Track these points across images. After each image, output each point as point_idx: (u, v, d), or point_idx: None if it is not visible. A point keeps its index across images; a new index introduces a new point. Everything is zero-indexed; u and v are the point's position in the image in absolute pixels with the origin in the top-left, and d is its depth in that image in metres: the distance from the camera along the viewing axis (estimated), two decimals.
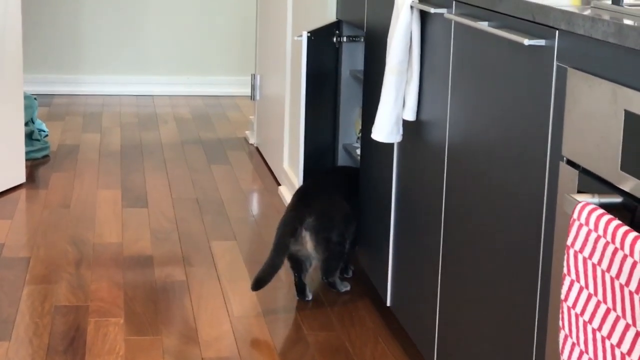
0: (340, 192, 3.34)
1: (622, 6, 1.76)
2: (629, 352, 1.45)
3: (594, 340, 1.54)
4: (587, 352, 1.56)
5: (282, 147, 4.58)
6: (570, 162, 1.79)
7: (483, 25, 2.14)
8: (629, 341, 1.45)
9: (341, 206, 3.31)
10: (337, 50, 3.68)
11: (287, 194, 4.39)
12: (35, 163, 4.92)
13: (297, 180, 4.15)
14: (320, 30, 3.50)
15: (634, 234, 1.45)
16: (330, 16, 3.73)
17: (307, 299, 3.29)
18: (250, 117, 5.69)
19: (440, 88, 2.52)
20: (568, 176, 1.78)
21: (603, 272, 1.52)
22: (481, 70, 2.23)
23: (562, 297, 1.63)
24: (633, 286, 1.43)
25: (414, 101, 2.72)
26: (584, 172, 1.73)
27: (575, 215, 1.60)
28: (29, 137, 4.91)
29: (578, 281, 1.59)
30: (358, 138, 3.67)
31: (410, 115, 2.73)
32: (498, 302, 2.14)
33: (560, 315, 1.65)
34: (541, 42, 1.89)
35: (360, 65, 3.67)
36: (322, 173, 3.55)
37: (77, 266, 3.56)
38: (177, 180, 4.69)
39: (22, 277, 3.44)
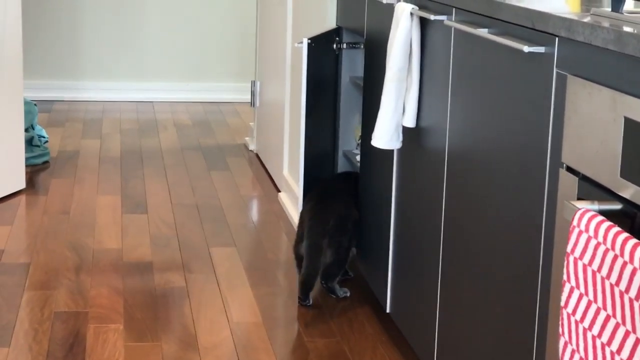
0: (352, 197, 3.38)
1: (622, 13, 1.76)
2: (629, 358, 1.45)
3: (594, 347, 1.54)
4: (586, 358, 1.56)
5: (281, 154, 4.58)
6: (570, 169, 1.79)
7: (483, 32, 2.15)
8: (628, 348, 1.45)
9: (354, 212, 3.35)
10: (337, 57, 3.69)
11: (287, 201, 4.39)
12: (35, 169, 4.92)
13: (297, 187, 4.15)
14: (320, 37, 3.51)
15: (633, 240, 1.45)
16: (330, 23, 3.73)
17: (308, 303, 3.29)
18: (250, 123, 5.69)
19: (440, 95, 2.52)
20: (568, 183, 1.78)
21: (603, 279, 1.52)
22: (481, 77, 2.23)
23: (562, 303, 1.63)
24: (633, 293, 1.43)
25: (414, 108, 2.72)
26: (584, 178, 1.74)
27: (575, 222, 1.60)
28: (29, 143, 4.91)
29: (578, 288, 1.59)
30: (358, 144, 3.68)
31: (410, 122, 2.73)
32: (498, 309, 2.14)
33: (560, 322, 1.65)
34: (541, 49, 1.89)
35: (360, 71, 3.67)
36: (333, 177, 3.57)
37: (76, 272, 3.56)
38: (176, 187, 4.69)
39: (22, 283, 3.44)
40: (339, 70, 3.71)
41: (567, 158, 1.79)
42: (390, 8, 2.93)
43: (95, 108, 6.51)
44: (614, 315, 1.49)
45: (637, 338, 1.43)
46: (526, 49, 1.90)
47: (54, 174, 4.86)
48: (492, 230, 2.16)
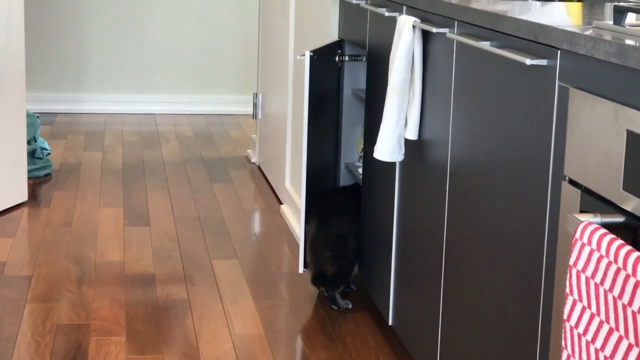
0: (355, 210, 3.39)
1: (624, 26, 1.76)
2: None
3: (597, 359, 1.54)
4: None
5: (284, 166, 4.59)
6: (572, 182, 1.79)
7: (485, 45, 2.15)
8: None
9: (356, 226, 3.40)
10: (339, 70, 3.69)
11: (289, 213, 4.39)
12: (38, 181, 4.92)
13: (299, 199, 4.15)
14: (322, 50, 3.51)
15: (636, 253, 1.45)
16: (333, 35, 3.74)
17: (347, 305, 3.39)
18: (252, 135, 5.70)
19: (443, 107, 2.52)
20: (570, 196, 1.78)
21: (606, 292, 1.51)
22: (483, 90, 2.23)
23: (565, 316, 1.63)
24: (636, 306, 1.43)
25: (416, 120, 2.72)
26: (586, 191, 1.74)
27: (577, 235, 1.60)
28: (32, 155, 4.92)
29: (581, 301, 1.59)
30: (360, 157, 3.68)
31: (412, 134, 2.74)
32: (500, 322, 2.14)
33: (563, 335, 1.64)
34: (543, 61, 1.90)
35: (362, 84, 3.68)
36: (336, 190, 3.60)
37: (78, 284, 3.56)
38: (179, 199, 4.69)
39: (24, 296, 3.44)
40: (341, 82, 3.71)
41: (569, 171, 1.79)
42: (392, 21, 2.94)
43: (97, 120, 6.51)
44: (617, 329, 1.49)
45: None
46: (528, 61, 1.91)
47: (56, 186, 4.86)
48: (495, 242, 2.16)
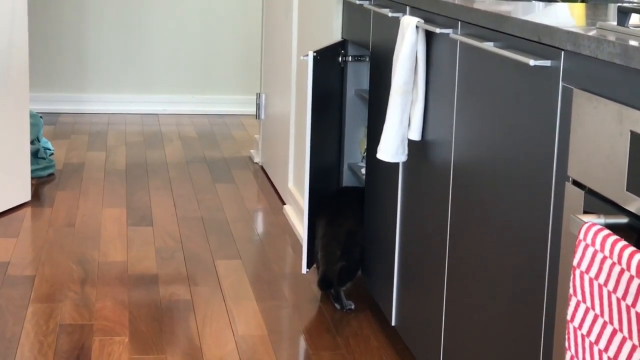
0: (360, 211, 3.42)
1: (628, 27, 1.76)
2: None
3: None
4: None
5: (287, 166, 4.59)
6: (576, 183, 1.79)
7: (489, 45, 2.15)
8: None
9: (361, 226, 3.42)
10: (342, 70, 3.69)
11: (292, 213, 4.39)
12: (41, 181, 4.93)
13: (302, 200, 4.15)
14: (325, 50, 3.51)
15: None
16: (336, 36, 3.74)
17: (350, 306, 3.40)
18: (255, 136, 5.70)
19: (446, 108, 2.52)
20: (574, 197, 1.78)
21: (609, 293, 1.51)
22: (487, 91, 2.23)
23: (568, 317, 1.63)
24: (639, 308, 1.43)
25: (420, 121, 2.72)
26: (590, 192, 1.73)
27: (581, 236, 1.60)
28: (35, 155, 4.92)
29: (584, 302, 1.59)
30: (363, 157, 3.68)
31: (415, 135, 2.74)
32: (504, 323, 2.13)
33: (567, 336, 1.64)
34: (547, 62, 1.90)
35: (365, 84, 3.68)
36: (340, 191, 3.63)
37: (82, 285, 3.56)
38: (182, 199, 4.69)
39: (27, 296, 3.44)
40: (345, 83, 3.71)
41: (573, 172, 1.79)
42: (395, 21, 2.94)
43: (100, 120, 6.52)
44: (621, 329, 1.49)
45: None
46: (532, 62, 1.90)
47: (60, 186, 4.87)
48: (498, 243, 2.16)
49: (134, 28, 6.80)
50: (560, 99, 1.85)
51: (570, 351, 1.63)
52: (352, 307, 3.38)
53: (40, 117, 5.08)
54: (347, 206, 3.47)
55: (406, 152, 2.83)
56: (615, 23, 1.81)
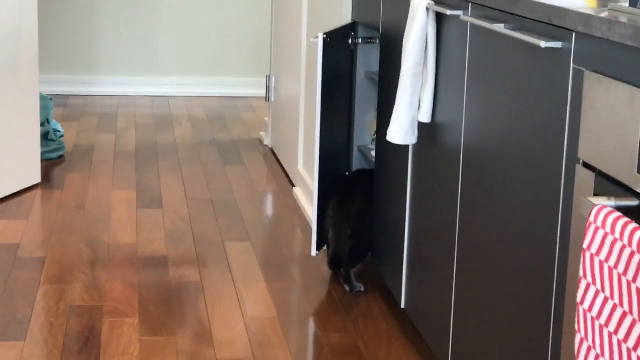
0: (370, 194, 3.44)
1: (639, 8, 1.75)
2: None
3: (610, 344, 1.54)
4: (603, 355, 1.56)
5: (296, 149, 4.58)
6: (586, 165, 1.78)
7: (499, 27, 2.14)
8: None
9: (371, 207, 3.44)
10: (352, 52, 3.68)
11: (301, 196, 4.39)
12: (51, 163, 4.93)
13: (312, 182, 4.15)
14: (335, 32, 3.50)
15: None
16: (346, 18, 3.73)
17: (360, 288, 3.41)
18: (265, 118, 5.69)
19: (456, 90, 2.52)
20: (584, 179, 1.78)
21: (620, 276, 1.51)
22: (497, 73, 2.22)
23: (578, 300, 1.63)
24: None
25: (430, 103, 2.71)
26: (601, 175, 1.73)
27: (591, 219, 1.59)
28: (45, 137, 4.93)
29: (594, 284, 1.59)
30: (373, 140, 3.67)
31: (425, 117, 2.73)
32: (513, 305, 2.13)
33: (576, 319, 1.64)
34: (558, 44, 1.89)
35: (375, 67, 3.67)
36: (351, 175, 3.64)
37: (92, 266, 3.57)
38: (191, 181, 4.70)
39: (37, 278, 3.45)
40: (355, 65, 3.71)
41: (583, 154, 1.78)
42: (406, 3, 2.93)
43: (110, 102, 6.52)
44: (631, 312, 1.49)
45: None
46: (543, 44, 1.90)
47: (70, 168, 4.87)
48: (508, 226, 2.16)
49: (143, 10, 6.79)
50: (571, 81, 1.85)
51: (580, 334, 1.63)
52: (362, 289, 3.39)
53: (50, 99, 5.08)
54: (358, 188, 3.47)
55: (416, 134, 2.83)
56: (627, 4, 1.80)
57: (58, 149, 5.03)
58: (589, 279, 1.60)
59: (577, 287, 1.77)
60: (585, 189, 1.77)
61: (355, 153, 3.76)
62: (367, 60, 3.70)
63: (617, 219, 1.53)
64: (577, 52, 1.83)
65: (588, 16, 1.75)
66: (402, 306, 3.05)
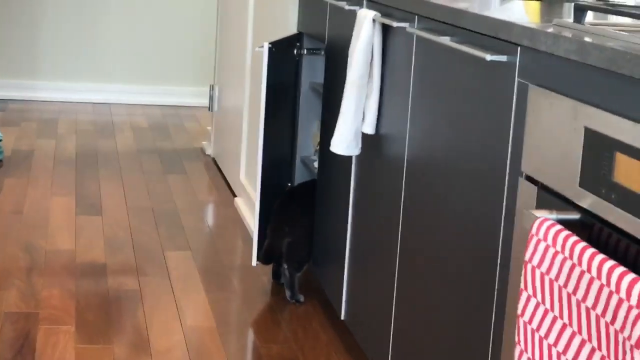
0: (313, 198, 3.46)
1: (584, 24, 1.77)
2: None
3: (550, 356, 1.54)
4: None
5: (239, 159, 4.56)
6: (529, 178, 1.79)
7: (445, 40, 2.15)
8: (584, 357, 1.45)
9: (313, 210, 3.46)
10: (297, 63, 3.68)
11: (243, 206, 4.37)
12: None
13: (254, 192, 4.13)
14: (281, 42, 3.49)
15: (591, 250, 1.45)
16: (291, 28, 3.73)
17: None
18: (208, 128, 5.66)
19: (401, 102, 2.52)
20: (527, 192, 1.78)
21: (560, 288, 1.52)
22: (442, 85, 2.23)
23: (519, 312, 1.63)
24: (590, 302, 1.43)
25: (374, 115, 2.72)
26: (543, 188, 1.74)
27: (533, 231, 1.60)
28: None
29: (535, 297, 1.59)
30: (316, 151, 3.67)
31: (369, 128, 2.73)
32: (454, 316, 2.14)
33: (517, 331, 1.65)
34: (503, 58, 1.90)
35: (320, 78, 3.67)
36: (294, 187, 3.65)
37: (28, 273, 3.51)
38: (132, 189, 4.65)
39: None
40: (299, 76, 3.70)
41: (526, 167, 1.79)
42: (352, 14, 2.93)
43: (51, 108, 6.44)
44: (571, 324, 1.49)
45: (592, 347, 1.44)
46: (488, 57, 1.91)
47: (8, 173, 4.80)
48: (450, 237, 2.16)
49: (87, 16, 6.73)
50: (515, 95, 1.86)
51: (520, 346, 1.63)
52: (301, 300, 3.37)
53: None
54: (301, 197, 3.48)
55: (360, 145, 2.83)
56: (571, 20, 1.82)
57: None
58: (530, 291, 1.60)
59: (517, 299, 1.78)
60: (528, 202, 1.78)
61: (298, 164, 3.75)
62: (312, 71, 3.70)
63: (559, 231, 1.54)
64: (521, 66, 1.84)
65: (533, 30, 1.76)
66: (342, 317, 3.04)
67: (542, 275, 1.57)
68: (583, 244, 1.48)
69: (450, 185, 2.17)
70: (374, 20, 2.66)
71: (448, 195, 2.18)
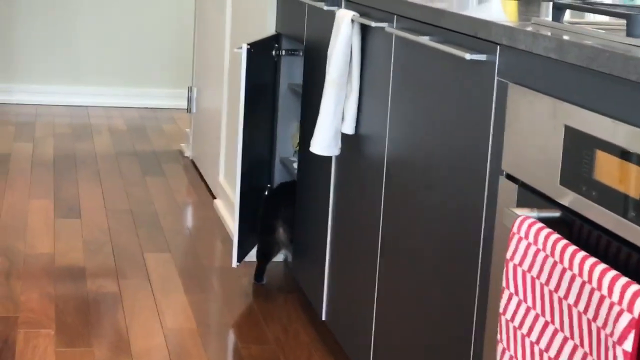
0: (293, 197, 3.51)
1: (562, 23, 1.77)
2: None
3: (532, 353, 1.55)
4: None
5: (218, 160, 4.56)
6: (509, 177, 1.80)
7: (424, 39, 2.15)
8: (566, 354, 1.46)
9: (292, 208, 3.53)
10: (275, 64, 3.67)
11: (222, 207, 4.36)
12: None
13: (233, 194, 4.12)
14: (259, 43, 3.49)
15: (572, 247, 1.46)
16: (270, 29, 3.72)
17: (264, 282, 3.55)
18: (186, 130, 5.65)
19: (380, 102, 2.52)
20: (507, 190, 1.79)
21: (542, 285, 1.52)
22: (422, 85, 2.23)
23: (501, 310, 1.64)
24: (571, 299, 1.44)
25: (353, 115, 2.72)
26: (523, 186, 1.74)
27: (514, 229, 1.60)
28: None
29: (517, 294, 1.60)
30: (295, 152, 3.67)
31: (349, 128, 2.73)
32: (435, 315, 2.14)
33: (499, 329, 1.65)
34: (482, 57, 1.90)
35: (298, 79, 3.67)
36: (281, 184, 3.70)
37: (6, 277, 3.49)
38: (111, 192, 4.63)
39: None
40: (278, 77, 3.70)
41: (507, 165, 1.79)
42: (331, 15, 2.93)
43: (27, 111, 6.41)
44: (552, 322, 1.50)
45: (575, 344, 1.44)
46: (468, 56, 1.91)
47: None
48: (431, 237, 2.17)
49: (63, 18, 6.70)
50: (495, 93, 1.86)
51: (502, 344, 1.64)
52: (263, 283, 3.55)
53: None
54: (282, 192, 3.56)
55: (339, 145, 2.83)
56: (550, 19, 1.82)
57: None
58: (512, 289, 1.61)
59: (499, 298, 1.79)
60: (508, 200, 1.78)
61: (278, 165, 3.75)
62: (291, 72, 3.70)
63: (540, 229, 1.54)
64: (501, 65, 1.84)
65: (512, 29, 1.76)
66: (323, 318, 3.04)
67: (523, 273, 1.57)
68: (564, 241, 1.48)
69: (431, 184, 2.17)
70: (352, 21, 2.66)
71: (429, 195, 2.19)
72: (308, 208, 3.23)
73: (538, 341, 1.53)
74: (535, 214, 1.63)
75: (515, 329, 1.60)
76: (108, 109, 6.65)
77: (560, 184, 1.61)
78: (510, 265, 1.61)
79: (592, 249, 1.52)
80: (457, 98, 2.03)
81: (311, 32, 3.20)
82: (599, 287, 1.37)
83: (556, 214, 1.62)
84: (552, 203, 1.64)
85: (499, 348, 1.65)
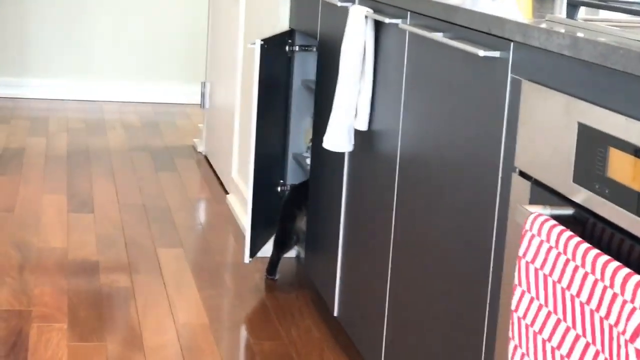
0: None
1: (577, 20, 1.77)
2: None
3: (544, 350, 1.55)
4: None
5: (231, 156, 4.56)
6: (522, 174, 1.79)
7: (438, 36, 2.15)
8: (578, 352, 1.46)
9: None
10: (289, 60, 3.67)
11: (235, 203, 4.37)
12: None
13: (246, 189, 4.13)
14: (273, 39, 3.49)
15: (585, 245, 1.45)
16: (283, 25, 3.72)
17: (276, 278, 3.55)
18: (199, 125, 5.66)
19: (393, 98, 2.52)
20: (520, 187, 1.79)
21: (554, 283, 1.52)
22: (435, 81, 2.23)
23: (513, 307, 1.63)
24: (584, 297, 1.44)
25: (367, 111, 2.72)
26: (536, 183, 1.74)
27: (527, 226, 1.60)
28: None
29: (529, 292, 1.59)
30: (308, 148, 3.67)
31: (362, 125, 2.73)
32: (447, 313, 2.14)
33: (510, 326, 1.65)
34: (496, 53, 1.90)
35: (311, 75, 3.67)
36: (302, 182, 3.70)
37: (20, 270, 3.51)
38: (124, 187, 4.64)
39: None
40: (291, 72, 3.70)
41: (520, 162, 1.79)
42: (344, 11, 2.93)
43: (41, 106, 6.43)
44: (565, 319, 1.50)
45: (587, 342, 1.44)
46: (481, 53, 1.91)
47: None
48: (444, 233, 2.17)
49: (77, 13, 6.71)
50: (508, 90, 1.86)
51: (514, 341, 1.64)
52: (275, 279, 3.54)
53: None
54: (304, 190, 3.55)
55: (352, 142, 2.83)
56: (564, 16, 1.82)
57: None
58: (524, 286, 1.61)
59: (511, 294, 1.78)
60: (521, 198, 1.78)
61: (290, 161, 3.75)
62: (304, 68, 3.70)
63: (553, 227, 1.54)
64: (514, 62, 1.84)
65: (526, 26, 1.76)
66: (335, 314, 3.04)
67: (536, 271, 1.57)
68: (577, 239, 1.48)
69: (444, 181, 2.17)
70: (366, 17, 2.66)
71: (441, 191, 2.18)
72: (320, 204, 3.23)
73: (550, 338, 1.53)
74: (548, 211, 1.63)
75: (527, 326, 1.60)
76: (122, 104, 6.66)
77: (574, 181, 1.60)
78: (523, 262, 1.61)
79: (605, 247, 1.52)
80: (471, 95, 2.03)
81: (325, 28, 3.20)
82: (612, 285, 1.36)
83: (569, 211, 1.62)
84: (565, 200, 1.64)
85: (511, 345, 1.65)
